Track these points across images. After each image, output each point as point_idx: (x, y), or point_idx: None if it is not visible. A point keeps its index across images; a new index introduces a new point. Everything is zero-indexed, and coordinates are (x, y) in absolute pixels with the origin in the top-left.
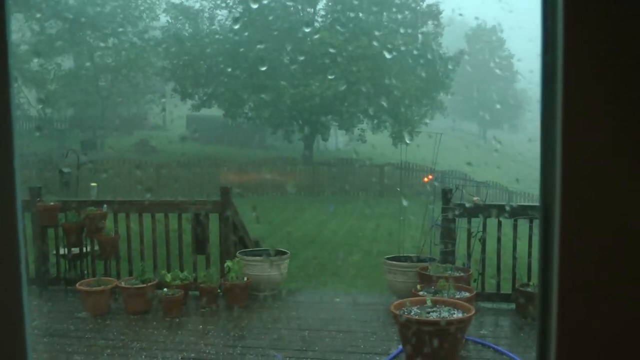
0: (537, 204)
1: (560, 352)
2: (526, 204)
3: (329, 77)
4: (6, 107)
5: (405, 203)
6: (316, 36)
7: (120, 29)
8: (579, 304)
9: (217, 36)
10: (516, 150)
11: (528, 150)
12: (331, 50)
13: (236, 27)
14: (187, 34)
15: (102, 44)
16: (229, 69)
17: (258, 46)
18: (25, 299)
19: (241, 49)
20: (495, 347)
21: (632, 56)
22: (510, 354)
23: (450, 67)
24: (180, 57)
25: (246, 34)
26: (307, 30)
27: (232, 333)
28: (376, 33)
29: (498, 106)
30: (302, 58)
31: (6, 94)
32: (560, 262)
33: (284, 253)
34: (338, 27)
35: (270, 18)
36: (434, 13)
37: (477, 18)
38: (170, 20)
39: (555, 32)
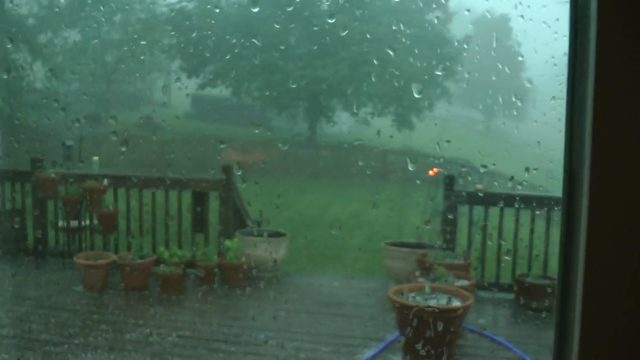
0: (542, 194)
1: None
2: (530, 193)
3: (335, 60)
4: None
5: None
6: (324, 18)
7: (127, 6)
8: (605, 286)
9: (224, 14)
10: (524, 139)
11: (536, 140)
12: (339, 33)
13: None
14: (194, 11)
15: (109, 19)
16: (236, 49)
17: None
18: None
19: (249, 28)
20: (493, 336)
21: None
22: (508, 344)
23: (456, 54)
24: (187, 34)
25: (256, 10)
26: (315, 11)
27: (228, 312)
28: (384, 17)
29: (503, 94)
30: (309, 40)
31: None
32: (586, 248)
33: (283, 234)
34: (346, 10)
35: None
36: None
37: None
38: None
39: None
